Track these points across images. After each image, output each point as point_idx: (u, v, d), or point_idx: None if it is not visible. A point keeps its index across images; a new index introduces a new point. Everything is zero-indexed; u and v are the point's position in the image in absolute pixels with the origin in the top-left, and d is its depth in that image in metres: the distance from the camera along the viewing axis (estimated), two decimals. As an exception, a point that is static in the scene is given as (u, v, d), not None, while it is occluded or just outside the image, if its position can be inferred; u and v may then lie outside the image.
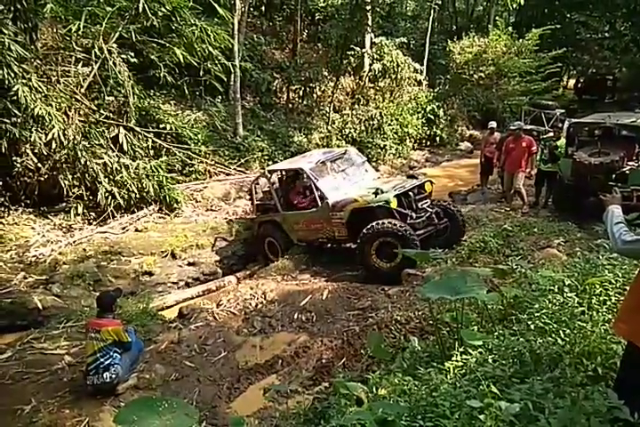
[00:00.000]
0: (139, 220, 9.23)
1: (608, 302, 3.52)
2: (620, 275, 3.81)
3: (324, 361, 5.22)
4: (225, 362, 5.60)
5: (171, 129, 10.55)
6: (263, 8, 17.10)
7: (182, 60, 10.18)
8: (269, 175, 8.53)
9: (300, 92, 15.21)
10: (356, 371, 4.66)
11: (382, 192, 7.15)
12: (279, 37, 17.18)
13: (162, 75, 10.48)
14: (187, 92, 11.66)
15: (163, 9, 9.80)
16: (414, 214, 7.28)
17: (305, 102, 15.38)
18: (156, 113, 10.64)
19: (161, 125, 10.50)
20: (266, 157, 12.39)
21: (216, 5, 10.75)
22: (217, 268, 8.35)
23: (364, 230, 6.93)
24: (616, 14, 23.36)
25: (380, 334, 5.19)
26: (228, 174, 11.35)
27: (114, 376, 4.80)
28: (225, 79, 11.83)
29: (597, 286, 3.66)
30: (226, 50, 11.17)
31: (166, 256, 8.25)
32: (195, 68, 10.84)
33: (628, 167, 8.92)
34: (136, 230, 8.95)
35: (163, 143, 10.32)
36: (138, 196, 9.27)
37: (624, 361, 2.59)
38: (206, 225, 9.24)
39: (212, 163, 11.19)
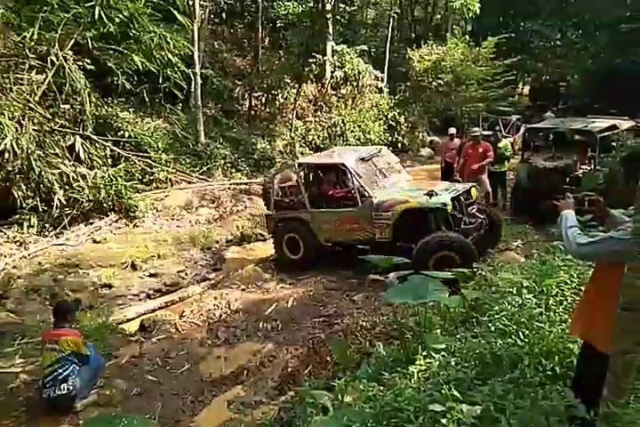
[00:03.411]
0: (97, 231, 8.98)
1: (564, 303, 3.62)
2: (575, 275, 3.92)
3: (289, 370, 5.16)
4: (188, 375, 5.47)
5: (130, 137, 10.33)
6: (224, 15, 17.02)
7: (141, 67, 10.00)
8: (299, 170, 7.97)
9: (263, 100, 15.20)
10: (322, 379, 4.62)
11: (436, 194, 6.78)
12: (241, 45, 17.14)
13: (120, 82, 10.27)
14: (146, 99, 11.46)
15: (120, 15, 9.61)
16: (467, 219, 7.02)
17: (268, 109, 15.36)
18: (115, 121, 10.41)
19: (119, 133, 10.27)
20: (229, 165, 12.29)
21: (175, 12, 10.63)
22: (180, 278, 8.16)
23: (423, 242, 6.41)
24: (567, 23, 24.37)
25: (346, 341, 5.19)
26: (189, 182, 11.18)
27: (71, 388, 4.62)
28: (185, 86, 11.70)
29: (554, 287, 3.76)
30: (186, 57, 11.05)
31: (126, 268, 8.03)
32: (154, 75, 10.67)
33: (581, 171, 9.26)
34: (94, 242, 8.69)
35: (121, 151, 10.09)
36: (95, 206, 9.01)
37: (580, 360, 2.65)
38: (168, 235, 9.06)
39: (174, 171, 11.00)
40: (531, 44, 24.16)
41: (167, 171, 10.81)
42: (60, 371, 4.60)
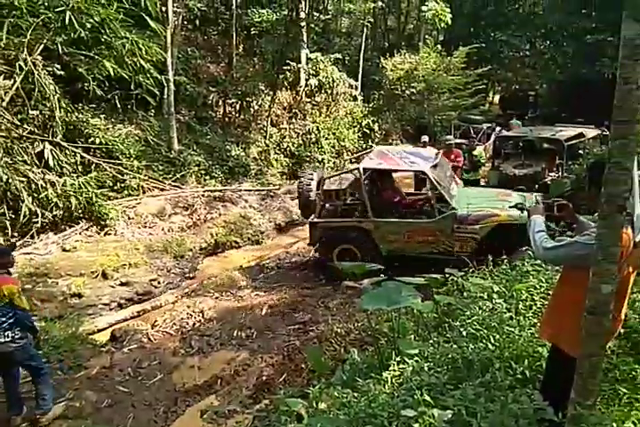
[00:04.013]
0: (66, 239, 8.77)
1: (534, 307, 3.70)
2: (544, 280, 4.01)
3: (264, 378, 5.14)
4: (161, 385, 5.38)
5: (101, 144, 10.15)
6: (197, 22, 16.93)
7: (112, 73, 9.86)
8: (362, 175, 7.20)
9: (237, 106, 15.13)
10: (297, 386, 4.61)
11: (524, 207, 6.49)
12: (214, 51, 17.06)
13: (91, 88, 10.10)
14: (118, 105, 11.29)
15: (91, 21, 9.48)
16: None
17: (242, 116, 15.30)
18: (85, 127, 10.21)
19: (90, 140, 10.08)
20: (202, 172, 12.18)
21: (147, 18, 10.54)
22: (152, 287, 8.03)
23: None
24: (535, 34, 25.02)
25: (321, 348, 5.20)
26: (162, 190, 11.04)
27: (17, 337, 4.36)
28: (158, 93, 11.59)
29: (523, 292, 3.83)
30: (158, 63, 10.95)
31: (97, 277, 7.86)
32: (126, 81, 10.53)
33: (549, 178, 9.50)
34: (63, 250, 8.48)
35: (92, 158, 9.91)
36: (65, 214, 8.82)
37: (548, 363, 2.70)
38: (140, 243, 8.92)
39: (146, 178, 10.84)
40: (501, 54, 24.71)
41: (139, 178, 10.65)
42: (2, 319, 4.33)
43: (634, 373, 2.91)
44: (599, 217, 2.15)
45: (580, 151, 10.13)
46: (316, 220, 7.52)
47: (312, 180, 7.93)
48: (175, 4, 12.70)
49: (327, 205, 7.77)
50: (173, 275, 8.48)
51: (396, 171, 7.76)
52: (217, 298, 7.32)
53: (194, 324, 6.57)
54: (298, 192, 8.21)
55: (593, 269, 2.14)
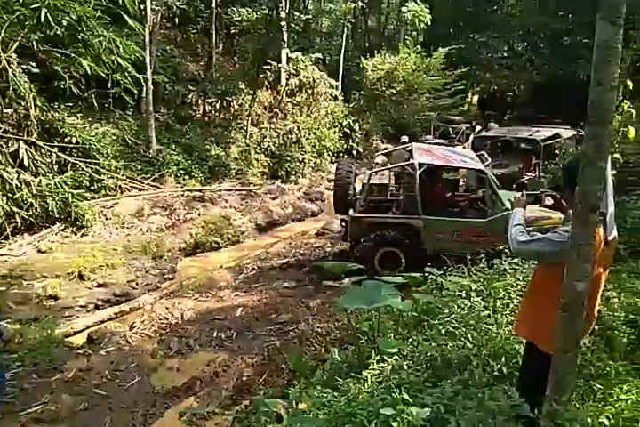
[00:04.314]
0: (42, 240, 8.59)
1: (511, 305, 3.74)
2: (521, 278, 4.06)
3: (244, 379, 5.11)
4: (139, 387, 5.31)
5: (77, 143, 9.97)
6: (177, 20, 16.76)
7: (89, 72, 9.69)
8: (417, 170, 6.75)
9: (217, 106, 15.02)
10: (277, 387, 4.60)
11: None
12: (194, 50, 16.91)
13: (67, 86, 9.92)
14: (95, 104, 11.11)
15: (67, 18, 9.29)
16: None
17: (222, 115, 15.19)
18: (61, 126, 10.03)
19: (66, 139, 9.91)
20: (182, 172, 12.05)
21: (125, 16, 10.37)
22: (130, 288, 7.91)
23: None
24: (513, 36, 25.37)
25: (301, 348, 5.19)
26: (140, 190, 10.89)
27: None
28: (136, 92, 11.44)
29: (501, 290, 3.88)
30: (137, 61, 10.80)
31: (73, 278, 7.70)
32: (103, 79, 10.37)
33: (527, 178, 9.65)
34: (39, 251, 8.31)
35: (68, 158, 9.73)
36: (41, 214, 8.64)
37: (524, 359, 2.74)
38: (117, 243, 8.78)
39: (124, 178, 10.69)
40: (479, 56, 24.99)
41: (117, 178, 10.50)
42: None
43: (608, 369, 2.97)
44: (573, 216, 2.18)
45: (557, 151, 10.31)
46: (358, 215, 7.08)
47: (351, 172, 7.56)
48: (154, 2, 12.54)
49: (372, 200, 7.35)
50: (152, 276, 8.36)
51: (450, 168, 7.48)
52: (196, 299, 7.26)
53: (173, 325, 6.50)
54: (335, 184, 7.68)
55: (567, 267, 2.18)
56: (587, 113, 2.05)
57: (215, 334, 6.17)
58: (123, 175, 10.70)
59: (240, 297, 7.30)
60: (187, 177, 12.08)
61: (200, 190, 11.70)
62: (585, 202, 2.11)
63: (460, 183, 9.26)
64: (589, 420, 2.36)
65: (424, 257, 6.57)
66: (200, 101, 14.73)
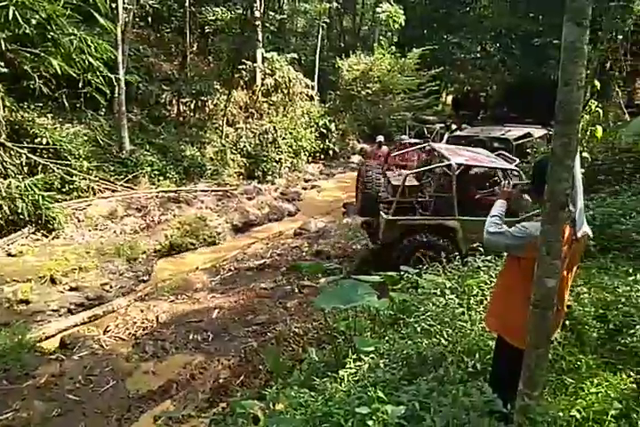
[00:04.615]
0: (12, 243, 8.38)
1: (484, 302, 3.79)
2: (494, 275, 4.11)
3: (221, 381, 5.07)
4: (114, 392, 5.23)
5: (48, 144, 9.77)
6: (150, 19, 16.55)
7: (60, 71, 9.49)
8: (454, 171, 6.73)
9: (192, 106, 14.88)
10: (255, 388, 4.57)
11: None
12: (168, 49, 16.72)
13: (37, 86, 9.69)
14: (66, 104, 10.89)
15: (36, 16, 9.09)
16: None
17: (197, 115, 15.06)
18: (31, 127, 9.81)
19: (36, 140, 9.69)
20: (156, 173, 11.89)
21: (96, 15, 10.20)
22: (103, 291, 7.77)
23: None
24: (486, 37, 25.76)
25: (279, 348, 5.18)
26: (114, 191, 10.71)
27: None
28: (109, 91, 11.25)
29: (474, 287, 3.93)
30: (109, 61, 10.62)
31: (45, 282, 7.54)
32: (74, 79, 10.17)
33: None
34: (9, 255, 8.10)
35: (39, 159, 9.52)
36: (10, 217, 8.42)
37: (495, 354, 2.77)
38: (90, 246, 8.61)
39: (96, 179, 10.51)
40: (453, 56, 25.32)
41: (89, 179, 10.31)
42: None
43: (579, 363, 3.02)
44: (542, 213, 2.22)
45: (528, 150, 10.49)
46: (393, 217, 6.91)
47: (380, 173, 7.42)
48: (126, 1, 12.37)
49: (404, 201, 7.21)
50: (126, 278, 8.23)
51: (485, 168, 7.46)
52: (172, 301, 7.17)
53: (148, 328, 6.41)
54: (365, 187, 7.46)
55: (537, 263, 2.21)
56: (555, 113, 2.08)
57: (191, 337, 6.11)
58: (95, 177, 10.53)
59: (217, 299, 7.24)
60: (161, 178, 11.94)
61: (175, 191, 11.58)
62: (553, 200, 2.15)
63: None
64: (561, 414, 2.41)
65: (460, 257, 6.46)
66: (174, 101, 14.58)
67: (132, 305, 7.31)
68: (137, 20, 15.16)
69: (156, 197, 11.00)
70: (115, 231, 9.48)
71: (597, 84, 5.38)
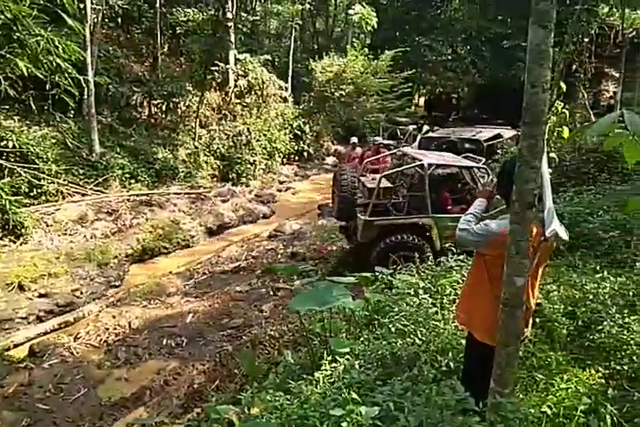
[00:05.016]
0: (-23, 249, 8.13)
1: (457, 301, 3.83)
2: (466, 275, 4.16)
3: (195, 386, 5.00)
4: (85, 400, 5.11)
5: (14, 147, 9.50)
6: (119, 19, 16.27)
7: (26, 73, 9.25)
8: (427, 170, 7.01)
9: (163, 107, 14.65)
10: (230, 392, 4.52)
11: None
12: (138, 50, 16.46)
13: (2, 88, 9.42)
14: (33, 106, 10.63)
15: (1, 17, 8.84)
16: None
17: (169, 117, 14.85)
18: (-3, 129, 9.53)
19: (2, 143, 9.42)
20: (127, 176, 11.68)
21: (64, 15, 9.98)
22: (74, 298, 7.58)
23: None
24: (456, 39, 26.11)
25: (254, 352, 5.14)
26: (83, 195, 10.48)
27: None
28: (77, 93, 11.02)
29: (447, 287, 3.97)
30: (77, 62, 10.40)
31: (12, 289, 7.33)
32: (42, 81, 9.93)
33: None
34: (-26, 262, 7.86)
35: (5, 163, 9.25)
36: (-25, 222, 8.18)
37: (466, 351, 2.81)
38: (60, 251, 8.41)
39: (65, 183, 10.26)
40: (425, 58, 25.58)
41: (58, 183, 10.07)
42: None
43: (549, 359, 3.08)
44: (511, 213, 2.25)
45: (499, 151, 10.69)
46: (370, 218, 7.05)
47: (355, 177, 7.57)
48: (94, 1, 12.15)
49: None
50: (97, 284, 8.05)
51: (457, 167, 7.74)
52: (145, 306, 7.05)
53: (120, 334, 6.29)
54: (341, 191, 7.59)
55: (506, 262, 2.24)
56: (522, 114, 2.12)
57: (165, 342, 6.01)
58: (64, 180, 10.28)
59: (191, 303, 7.15)
60: (132, 181, 11.74)
61: (147, 194, 11.40)
62: (521, 200, 2.18)
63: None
64: (532, 410, 2.44)
65: (435, 253, 6.62)
66: (145, 103, 14.35)
67: (103, 311, 7.16)
68: (106, 20, 14.88)
69: (128, 200, 10.81)
70: (85, 236, 9.27)
71: (563, 85, 5.50)
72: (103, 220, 9.89)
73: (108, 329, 6.38)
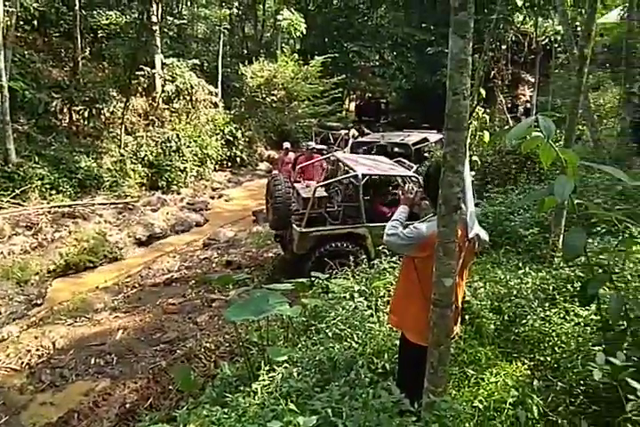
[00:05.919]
0: None
1: (389, 303, 3.89)
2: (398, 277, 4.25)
3: (127, 406, 4.77)
4: (6, 429, 4.74)
5: None
6: (36, 22, 15.39)
7: None
8: (360, 181, 7.06)
9: (85, 114, 13.98)
10: (165, 410, 4.35)
11: None
12: (57, 54, 15.63)
13: None
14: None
15: None
16: None
17: (91, 124, 14.16)
18: None
19: None
20: (47, 186, 11.03)
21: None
22: (-10, 319, 7.05)
23: None
24: (383, 45, 26.79)
25: (189, 366, 4.98)
26: (-1, 208, 9.80)
27: None
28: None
29: (381, 289, 4.03)
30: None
31: None
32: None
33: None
34: None
35: None
36: None
37: (399, 352, 2.86)
38: (-28, 269, 7.80)
39: (-22, 196, 9.56)
40: (353, 64, 26.03)
41: (-31, 196, 9.36)
42: None
43: (479, 355, 3.19)
44: (437, 216, 2.31)
45: (426, 154, 11.05)
46: (305, 229, 7.04)
47: (289, 187, 7.49)
48: (7, 3, 11.43)
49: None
50: (17, 303, 7.49)
51: (388, 176, 7.84)
52: (70, 324, 6.66)
53: (44, 355, 5.89)
54: (275, 201, 7.47)
55: (435, 264, 2.30)
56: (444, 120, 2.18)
57: (93, 361, 5.70)
58: (-24, 193, 9.56)
59: (120, 319, 6.82)
60: (53, 192, 11.10)
61: (70, 206, 10.81)
62: (447, 203, 2.24)
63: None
64: (465, 406, 2.51)
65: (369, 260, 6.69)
66: (66, 109, 13.63)
67: (24, 332, 6.69)
68: (21, 23, 14.04)
69: (49, 212, 10.19)
70: (2, 252, 8.63)
71: (483, 91, 5.76)
72: (22, 234, 9.26)
73: (30, 351, 5.96)
